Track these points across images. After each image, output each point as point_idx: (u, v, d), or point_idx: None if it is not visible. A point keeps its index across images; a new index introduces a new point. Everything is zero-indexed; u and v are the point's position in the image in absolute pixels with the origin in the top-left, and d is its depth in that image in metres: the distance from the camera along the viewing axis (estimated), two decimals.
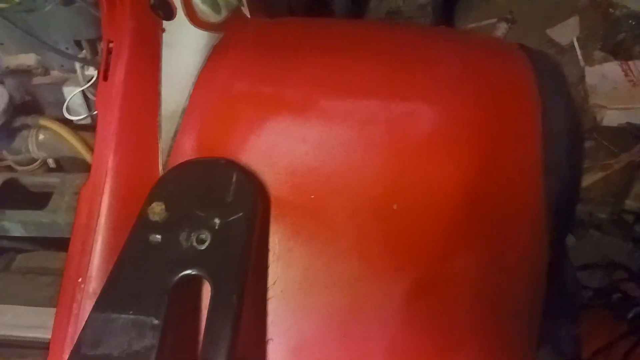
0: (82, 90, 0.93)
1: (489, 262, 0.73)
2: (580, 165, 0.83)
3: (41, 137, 0.99)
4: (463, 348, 0.70)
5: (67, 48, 0.96)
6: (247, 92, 0.80)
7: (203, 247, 0.67)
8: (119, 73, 0.78)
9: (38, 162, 1.02)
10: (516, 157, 0.77)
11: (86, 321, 0.66)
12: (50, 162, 1.03)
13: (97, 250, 0.73)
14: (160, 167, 0.77)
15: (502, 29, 2.45)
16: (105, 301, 0.66)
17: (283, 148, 0.76)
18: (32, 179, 0.99)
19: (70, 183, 0.94)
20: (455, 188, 0.74)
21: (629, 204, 1.86)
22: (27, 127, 0.97)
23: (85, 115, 0.94)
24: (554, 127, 0.79)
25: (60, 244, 1.00)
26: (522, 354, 0.72)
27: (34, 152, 0.99)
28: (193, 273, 0.66)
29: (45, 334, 0.86)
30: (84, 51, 0.92)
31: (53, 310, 0.88)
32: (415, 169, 0.74)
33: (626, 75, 1.99)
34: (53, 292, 0.91)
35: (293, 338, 0.71)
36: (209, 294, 0.65)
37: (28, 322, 0.90)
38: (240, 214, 0.69)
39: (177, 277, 0.66)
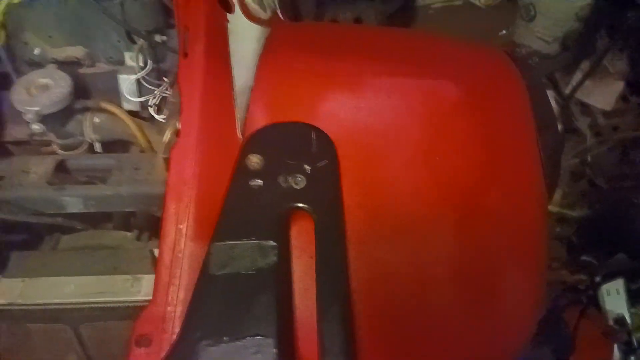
0: (138, 79, 1.03)
1: (508, 199, 0.92)
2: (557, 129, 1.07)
3: (96, 120, 1.05)
4: (502, 259, 0.88)
5: (118, 41, 1.06)
6: (305, 71, 0.95)
7: (300, 186, 0.81)
8: (198, 50, 0.90)
9: (83, 145, 1.08)
10: (517, 124, 0.98)
11: (208, 251, 0.76)
12: (97, 147, 1.09)
13: (192, 198, 0.83)
14: (238, 133, 0.89)
15: None
16: (223, 233, 0.77)
17: (341, 114, 0.91)
18: (86, 160, 1.04)
19: (128, 160, 1.02)
20: (476, 143, 0.93)
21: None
22: (84, 110, 1.03)
23: (142, 99, 1.03)
24: (538, 104, 1.02)
25: (105, 220, 1.06)
26: (542, 267, 0.91)
27: (88, 134, 1.04)
28: (299, 205, 0.79)
29: (112, 297, 0.93)
30: (141, 41, 1.02)
31: (115, 277, 0.95)
32: (447, 128, 0.93)
33: None
34: (114, 262, 0.97)
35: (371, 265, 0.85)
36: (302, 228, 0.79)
37: (91, 289, 0.94)
38: (326, 161, 0.83)
39: (285, 209, 0.79)
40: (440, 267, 0.87)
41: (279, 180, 0.81)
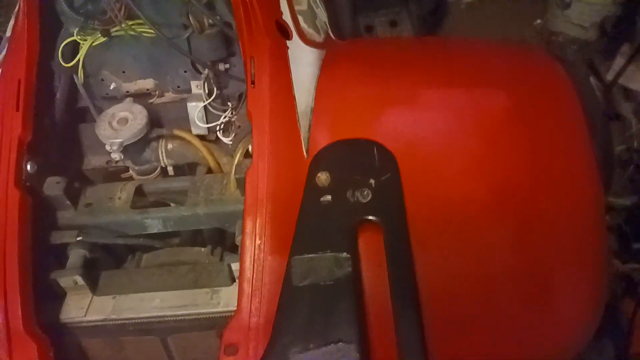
0: (205, 105, 1.11)
1: (563, 201, 0.94)
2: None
3: (170, 146, 1.14)
4: (560, 259, 0.92)
5: (185, 71, 1.15)
6: (361, 89, 1.01)
7: (366, 200, 0.87)
8: (264, 80, 0.98)
9: (157, 171, 1.16)
10: (568, 125, 1.01)
11: (289, 263, 0.83)
12: (170, 170, 1.18)
13: (268, 216, 0.90)
14: (304, 152, 0.95)
15: None
16: (300, 247, 0.84)
17: (399, 128, 0.96)
18: (162, 184, 1.13)
19: (201, 182, 1.10)
20: (529, 149, 0.96)
21: None
22: (160, 137, 1.12)
23: (210, 125, 1.12)
24: (587, 101, 1.05)
25: (181, 238, 1.15)
26: (600, 265, 0.95)
27: (162, 160, 1.13)
28: (367, 218, 0.85)
29: (194, 310, 1.00)
30: (206, 71, 1.10)
31: (196, 291, 1.03)
32: (500, 135, 0.96)
33: None
34: (193, 277, 1.04)
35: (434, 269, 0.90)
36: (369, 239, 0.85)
37: (175, 303, 1.02)
38: (389, 174, 0.89)
39: (354, 222, 0.85)
40: (499, 269, 0.91)
41: (347, 195, 0.87)
